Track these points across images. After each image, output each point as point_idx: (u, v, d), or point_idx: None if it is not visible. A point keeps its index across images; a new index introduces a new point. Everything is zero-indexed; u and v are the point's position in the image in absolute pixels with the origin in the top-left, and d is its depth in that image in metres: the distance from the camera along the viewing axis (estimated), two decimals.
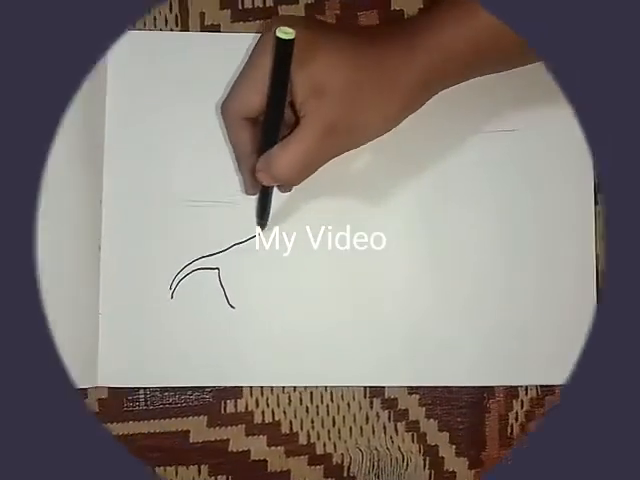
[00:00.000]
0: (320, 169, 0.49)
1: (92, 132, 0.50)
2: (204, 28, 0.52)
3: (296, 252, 0.50)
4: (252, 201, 0.50)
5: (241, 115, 0.45)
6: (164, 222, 0.50)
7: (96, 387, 0.49)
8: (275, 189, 0.48)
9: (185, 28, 0.52)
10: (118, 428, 0.49)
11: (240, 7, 0.52)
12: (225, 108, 0.46)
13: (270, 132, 0.44)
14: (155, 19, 0.52)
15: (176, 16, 0.52)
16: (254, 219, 0.50)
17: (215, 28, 0.52)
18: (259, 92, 0.43)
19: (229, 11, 0.52)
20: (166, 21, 0.52)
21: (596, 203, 0.51)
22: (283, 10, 0.52)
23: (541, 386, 0.51)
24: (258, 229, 0.50)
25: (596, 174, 0.51)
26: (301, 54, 0.41)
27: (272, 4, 0.52)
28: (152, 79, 0.51)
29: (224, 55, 0.50)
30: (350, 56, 0.43)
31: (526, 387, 0.51)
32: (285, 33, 0.39)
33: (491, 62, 0.46)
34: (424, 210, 0.51)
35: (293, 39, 0.39)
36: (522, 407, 0.51)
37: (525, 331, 0.50)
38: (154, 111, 0.51)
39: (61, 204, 0.48)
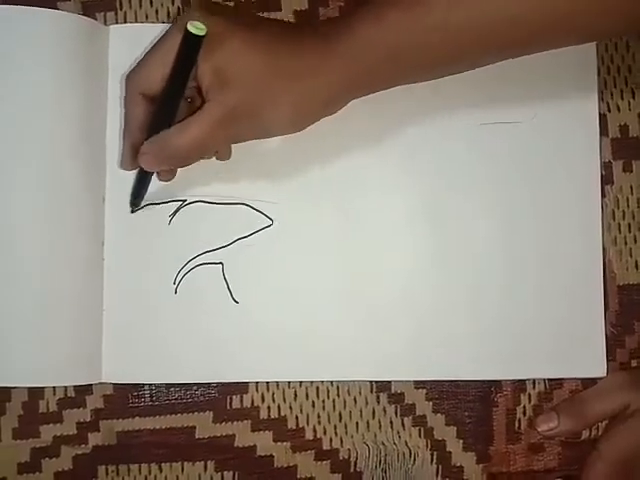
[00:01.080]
0: (324, 167, 0.49)
1: (95, 128, 0.49)
2: None
3: (301, 247, 0.50)
4: (258, 197, 0.49)
5: (140, 89, 0.45)
6: (168, 218, 0.50)
7: (101, 383, 0.48)
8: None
9: None
10: (123, 424, 0.49)
11: None
12: (128, 79, 0.46)
13: (164, 113, 0.44)
14: (157, 11, 0.51)
15: (178, 9, 0.51)
16: (259, 215, 0.50)
17: None
18: (162, 72, 0.44)
19: (232, 3, 0.51)
20: (168, 14, 0.51)
21: (603, 195, 0.51)
22: (285, 2, 0.51)
23: (549, 380, 0.50)
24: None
25: (602, 165, 0.51)
26: (210, 40, 0.41)
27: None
28: None
29: None
30: (264, 45, 0.43)
31: (534, 381, 0.50)
32: (197, 28, 0.40)
33: (416, 71, 0.45)
34: (429, 205, 0.50)
35: (203, 36, 0.40)
36: (530, 401, 0.50)
37: (532, 325, 0.50)
38: None
39: (64, 200, 0.48)
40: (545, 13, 0.41)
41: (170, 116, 0.44)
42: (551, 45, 0.44)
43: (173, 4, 0.51)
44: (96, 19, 0.50)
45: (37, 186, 0.47)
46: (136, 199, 0.49)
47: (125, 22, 0.51)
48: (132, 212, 0.49)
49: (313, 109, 0.44)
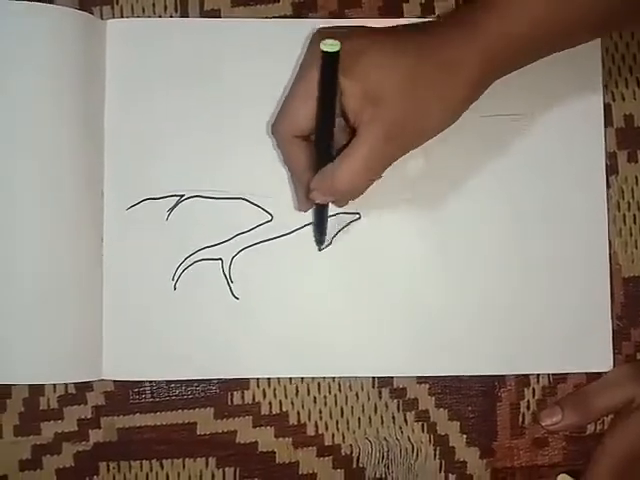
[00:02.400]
0: None
1: (93, 123, 0.49)
2: (204, 13, 0.51)
3: (301, 242, 0.49)
4: (257, 192, 0.49)
5: (293, 133, 0.44)
6: (166, 213, 0.49)
7: (101, 380, 0.48)
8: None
9: (185, 13, 0.50)
10: (124, 421, 0.49)
11: None
12: (276, 128, 0.45)
13: (323, 147, 0.43)
14: (154, 5, 0.50)
15: (175, 1, 0.51)
16: (258, 210, 0.49)
17: (215, 13, 0.51)
18: (308, 108, 0.42)
19: None
20: (165, 6, 0.51)
21: (608, 187, 0.50)
22: None
23: (553, 374, 0.50)
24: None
25: (607, 155, 0.50)
26: (348, 63, 0.40)
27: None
28: (152, 68, 0.50)
29: (226, 41, 0.50)
30: (402, 55, 0.42)
31: (538, 375, 0.50)
32: (330, 45, 0.39)
33: (554, 43, 0.44)
34: (432, 198, 0.50)
35: (338, 51, 0.39)
36: (534, 395, 0.50)
37: (537, 318, 0.49)
38: (155, 100, 0.50)
39: (63, 197, 0.48)
40: None
41: (330, 147, 0.43)
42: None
43: None
44: (92, 13, 0.50)
45: (35, 182, 0.47)
46: (321, 236, 0.48)
47: (122, 16, 0.50)
48: (320, 250, 0.49)
49: (463, 102, 0.43)
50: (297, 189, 0.47)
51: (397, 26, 0.45)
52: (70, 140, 0.48)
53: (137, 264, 0.49)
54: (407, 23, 0.45)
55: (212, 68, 0.50)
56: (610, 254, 0.50)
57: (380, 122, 0.42)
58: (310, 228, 0.49)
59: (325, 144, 0.43)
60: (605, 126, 0.50)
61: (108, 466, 0.49)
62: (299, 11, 0.51)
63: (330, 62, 0.39)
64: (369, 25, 0.46)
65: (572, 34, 0.43)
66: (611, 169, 0.50)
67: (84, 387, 0.49)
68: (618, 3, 0.42)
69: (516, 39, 0.42)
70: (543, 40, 0.43)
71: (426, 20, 0.47)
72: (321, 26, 0.46)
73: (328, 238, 0.49)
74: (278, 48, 0.50)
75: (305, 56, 0.44)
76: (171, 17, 0.50)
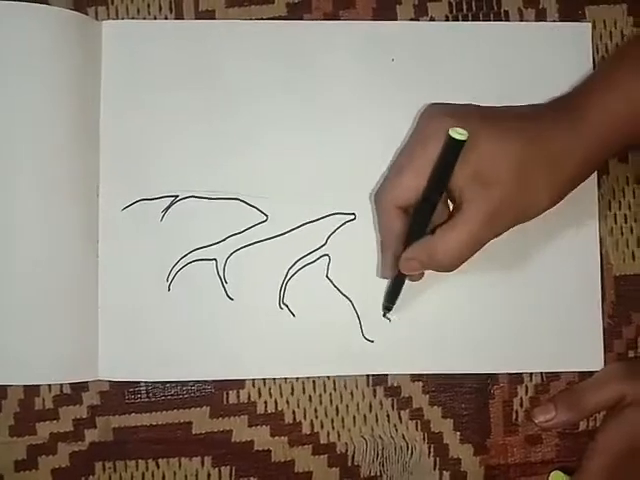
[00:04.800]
0: (318, 162, 0.49)
1: (88, 124, 0.49)
2: (198, 14, 0.51)
3: (295, 242, 0.50)
4: (251, 192, 0.49)
5: (397, 204, 0.46)
6: (160, 214, 0.49)
7: (97, 380, 0.48)
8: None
9: (179, 14, 0.51)
10: (120, 420, 0.49)
11: None
12: (381, 197, 0.47)
13: (422, 220, 0.45)
14: (149, 6, 0.51)
15: (170, 3, 0.51)
16: (253, 210, 0.50)
17: (210, 14, 0.51)
18: (417, 182, 0.44)
19: None
20: (160, 7, 0.51)
21: (599, 186, 0.51)
22: None
23: (545, 372, 0.50)
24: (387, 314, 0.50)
25: None
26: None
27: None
28: (147, 69, 0.50)
29: (220, 43, 0.50)
30: (513, 140, 0.44)
31: (530, 373, 0.50)
32: (459, 134, 0.42)
33: None
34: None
35: (465, 140, 0.42)
36: (527, 393, 0.50)
37: (529, 317, 0.50)
38: (150, 101, 0.50)
39: (58, 198, 0.48)
40: None
41: (428, 222, 0.45)
42: None
43: None
44: (87, 14, 0.50)
45: (30, 184, 0.47)
46: (391, 304, 0.49)
47: (117, 16, 0.50)
48: (384, 316, 0.49)
49: (568, 186, 0.45)
50: (385, 257, 0.48)
51: (507, 109, 0.47)
52: (65, 141, 0.48)
53: (132, 264, 0.49)
54: (514, 106, 0.47)
55: (207, 69, 0.50)
56: (601, 253, 0.50)
57: (488, 202, 0.43)
58: (304, 229, 0.50)
59: (426, 218, 0.45)
60: None
61: (104, 466, 0.49)
62: (293, 12, 0.51)
63: (455, 148, 0.42)
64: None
65: None
66: (602, 169, 0.51)
67: (79, 387, 0.49)
68: None
69: (617, 126, 0.44)
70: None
71: (532, 105, 0.48)
72: (433, 102, 0.48)
73: (324, 237, 0.50)
74: (272, 49, 0.50)
75: (418, 130, 0.46)
76: (166, 18, 0.51)
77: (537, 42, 0.51)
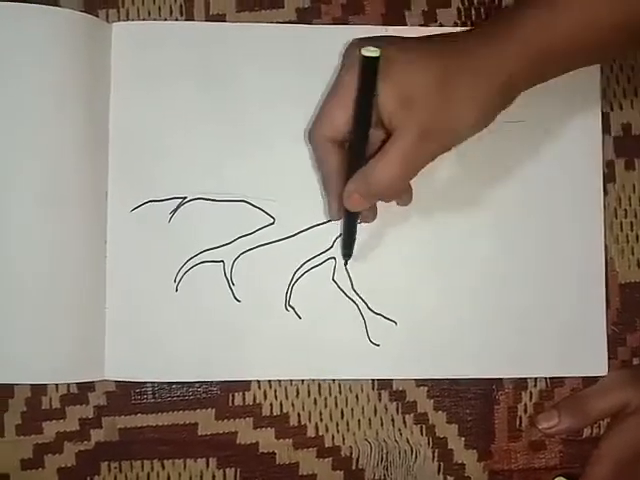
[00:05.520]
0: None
1: (97, 125, 0.49)
2: (209, 17, 0.51)
3: (302, 245, 0.50)
4: (259, 195, 0.49)
5: (329, 137, 0.45)
6: (168, 215, 0.50)
7: (103, 380, 0.49)
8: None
9: (190, 17, 0.51)
10: (126, 421, 0.49)
11: None
12: (313, 133, 0.46)
13: (358, 151, 0.44)
14: (160, 8, 0.51)
15: (180, 5, 0.51)
16: (260, 213, 0.50)
17: (220, 17, 0.51)
18: (346, 113, 0.44)
19: (235, 0, 0.51)
20: (171, 10, 0.51)
21: (605, 193, 0.51)
22: (288, 0, 0.51)
23: (550, 378, 0.50)
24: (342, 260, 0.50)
25: (604, 163, 0.51)
26: (383, 68, 0.42)
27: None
28: (157, 71, 0.50)
29: (230, 45, 0.50)
30: (435, 57, 0.43)
31: (535, 379, 0.50)
32: (371, 51, 0.41)
33: (591, 55, 0.44)
34: (431, 202, 0.50)
35: (379, 57, 0.41)
36: (531, 399, 0.50)
37: (534, 323, 0.50)
38: (159, 103, 0.50)
39: (67, 199, 0.48)
40: None
41: (364, 151, 0.44)
42: None
43: (176, 1, 0.51)
44: (98, 16, 0.50)
45: (40, 184, 0.47)
46: (348, 249, 0.49)
47: (127, 18, 0.51)
48: (345, 263, 0.49)
49: (493, 105, 0.43)
50: (329, 196, 0.48)
51: (431, 35, 0.46)
52: (75, 142, 0.48)
53: (140, 265, 0.50)
54: (441, 32, 0.46)
55: (216, 72, 0.50)
56: (607, 260, 0.50)
57: (414, 123, 0.42)
58: (311, 232, 0.50)
59: (360, 148, 0.44)
60: (603, 134, 0.51)
61: (109, 466, 0.49)
62: (303, 17, 0.51)
63: (370, 67, 0.42)
64: (386, 34, 0.47)
65: (608, 45, 0.43)
66: (609, 177, 0.51)
67: (86, 387, 0.49)
68: None
69: (548, 46, 0.42)
70: (578, 50, 0.43)
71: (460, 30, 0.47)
72: (355, 37, 0.47)
73: (330, 240, 0.50)
74: (282, 53, 0.51)
75: (342, 64, 0.45)
76: (176, 21, 0.51)
77: None
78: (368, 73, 0.42)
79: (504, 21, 0.43)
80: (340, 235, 0.49)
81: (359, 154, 0.44)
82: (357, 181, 0.44)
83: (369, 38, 0.46)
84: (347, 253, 0.49)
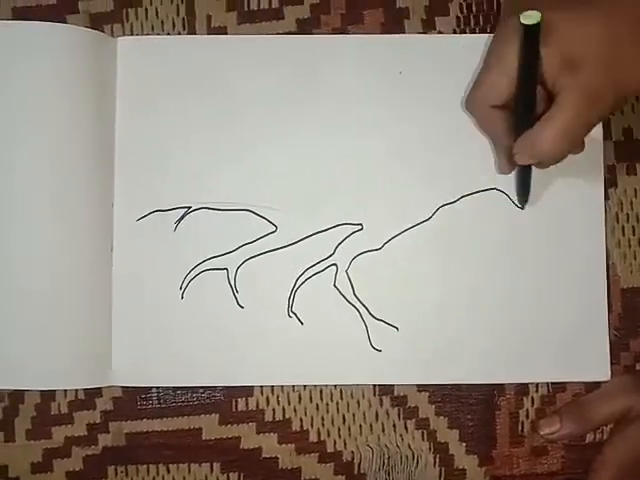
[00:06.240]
0: (328, 174, 0.49)
1: (104, 137, 0.51)
2: (211, 30, 0.52)
3: (304, 252, 0.51)
4: (262, 204, 0.50)
5: (489, 103, 0.46)
6: (173, 224, 0.51)
7: (110, 386, 0.50)
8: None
9: (192, 30, 0.52)
10: (132, 426, 0.50)
11: (246, 9, 0.52)
12: (471, 100, 0.47)
13: (524, 114, 0.45)
14: (163, 23, 0.52)
15: (183, 19, 0.52)
16: (263, 221, 0.51)
17: (222, 30, 0.52)
18: (506, 79, 0.44)
19: (235, 13, 0.52)
20: (173, 24, 0.52)
21: (606, 198, 0.51)
22: (288, 11, 0.52)
23: (552, 383, 0.50)
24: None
25: (606, 168, 0.51)
26: (545, 32, 0.42)
27: (278, 5, 0.52)
28: (161, 84, 0.51)
29: (232, 58, 0.51)
30: (597, 14, 0.42)
31: (537, 384, 0.50)
32: (531, 18, 0.41)
33: None
34: (429, 207, 0.51)
35: (539, 22, 0.41)
36: (533, 404, 0.50)
37: (536, 328, 0.50)
38: (163, 115, 0.51)
39: (75, 208, 0.49)
40: None
41: (531, 114, 0.45)
42: None
43: (178, 15, 0.52)
44: (103, 31, 0.51)
45: (48, 196, 0.49)
46: (525, 195, 0.49)
47: (132, 33, 0.52)
48: (522, 208, 0.50)
49: None
50: (498, 154, 0.49)
51: None
52: (82, 154, 0.50)
53: (145, 273, 0.51)
54: None
55: (219, 83, 0.51)
56: (608, 265, 0.50)
57: (579, 87, 0.42)
58: (313, 239, 0.51)
59: (527, 111, 0.44)
60: (604, 139, 0.51)
61: (116, 470, 0.50)
62: (303, 27, 0.52)
63: (532, 34, 0.42)
64: None
65: None
66: (610, 181, 0.51)
67: (93, 393, 0.50)
68: None
69: None
70: None
71: None
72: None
73: (332, 247, 0.50)
74: (283, 63, 0.51)
75: (498, 32, 0.46)
76: (179, 34, 0.52)
77: None
78: (530, 40, 0.42)
79: None
80: (349, 235, 0.50)
81: (526, 117, 0.45)
82: (524, 145, 0.45)
83: (517, 2, 0.45)
84: (523, 199, 0.50)
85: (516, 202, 0.51)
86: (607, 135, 0.51)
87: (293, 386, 0.50)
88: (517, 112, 0.46)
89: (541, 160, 0.45)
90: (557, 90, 0.43)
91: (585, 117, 0.43)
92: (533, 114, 0.45)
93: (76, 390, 0.50)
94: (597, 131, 0.51)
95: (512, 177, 0.50)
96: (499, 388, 0.50)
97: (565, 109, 0.43)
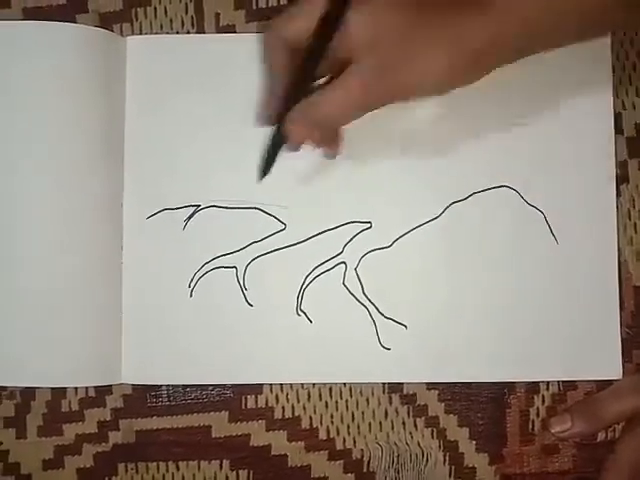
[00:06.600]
0: (336, 171, 0.49)
1: (113, 136, 0.51)
2: (219, 29, 0.52)
3: (313, 250, 0.51)
4: (271, 202, 0.50)
5: (285, 41, 0.45)
6: (183, 223, 0.51)
7: (120, 384, 0.50)
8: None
9: (201, 29, 0.52)
10: (142, 423, 0.51)
11: (255, 7, 0.52)
12: (272, 32, 0.46)
13: (308, 73, 0.44)
14: (172, 21, 0.52)
15: (192, 18, 0.52)
16: (272, 219, 0.51)
17: (230, 28, 0.52)
18: (308, 23, 0.43)
19: (244, 11, 0.52)
20: (182, 23, 0.52)
21: (618, 194, 0.50)
22: None
23: (563, 382, 0.50)
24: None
25: (617, 164, 0.50)
26: (356, 2, 0.41)
27: (286, 3, 0.52)
28: (170, 82, 0.51)
29: (240, 56, 0.51)
30: (413, 5, 0.42)
31: (547, 382, 0.50)
32: None
33: (572, 34, 0.43)
34: (438, 204, 0.51)
35: None
36: (543, 402, 0.50)
37: (547, 326, 0.50)
38: (173, 114, 0.51)
39: (85, 207, 0.50)
40: None
41: (313, 75, 0.44)
42: None
43: (187, 13, 0.52)
44: (113, 30, 0.52)
45: (58, 195, 0.49)
46: (267, 167, 0.48)
47: (141, 32, 0.52)
48: (260, 180, 0.48)
49: (460, 66, 0.42)
50: (268, 97, 0.48)
51: None
52: (92, 152, 0.50)
53: (155, 272, 0.51)
54: None
55: (227, 81, 0.51)
56: (620, 263, 0.50)
57: (376, 59, 0.42)
58: (321, 237, 0.51)
59: (311, 69, 0.44)
60: (616, 134, 0.50)
61: (126, 467, 0.51)
62: None
63: None
64: None
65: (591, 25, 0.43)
66: (622, 178, 0.50)
67: (104, 391, 0.51)
68: None
69: (530, 23, 0.41)
70: (559, 29, 0.42)
71: None
72: None
73: (341, 245, 0.50)
74: None
75: None
76: (188, 33, 0.52)
77: None
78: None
79: None
80: (346, 232, 0.50)
81: (309, 76, 0.44)
82: (304, 107, 0.44)
83: None
84: (262, 173, 0.48)
85: (525, 198, 0.50)
86: (619, 131, 0.51)
87: (302, 384, 0.50)
88: (302, 70, 0.44)
89: (318, 123, 0.44)
90: (354, 57, 0.42)
91: (373, 88, 0.42)
92: (315, 77, 0.43)
93: (87, 388, 0.51)
94: (609, 127, 0.50)
95: (522, 175, 0.50)
96: (509, 386, 0.50)
97: (356, 74, 0.42)
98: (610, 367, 0.49)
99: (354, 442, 0.50)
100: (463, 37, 0.42)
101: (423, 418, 0.50)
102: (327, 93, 0.43)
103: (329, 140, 0.49)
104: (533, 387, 0.50)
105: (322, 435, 0.50)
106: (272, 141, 0.47)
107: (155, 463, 0.51)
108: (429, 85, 0.43)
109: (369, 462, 0.50)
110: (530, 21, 0.42)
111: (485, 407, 0.50)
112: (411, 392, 0.50)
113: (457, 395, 0.50)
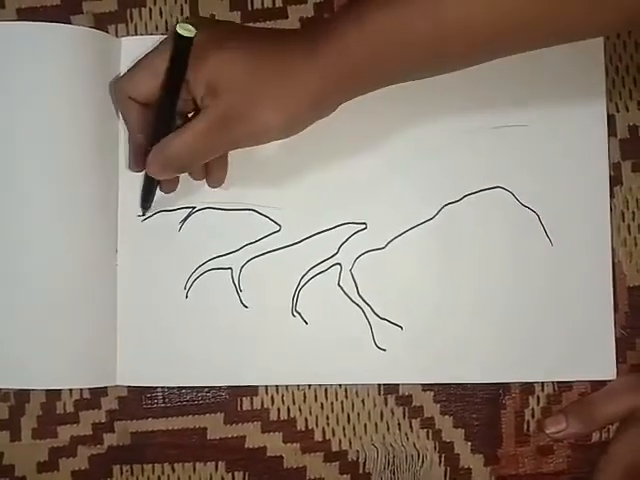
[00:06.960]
0: (330, 172, 0.49)
1: (108, 138, 0.51)
2: None
3: (307, 251, 0.51)
4: (265, 203, 0.50)
5: (129, 94, 0.47)
6: (178, 224, 0.51)
7: (115, 386, 0.50)
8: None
9: None
10: (137, 425, 0.50)
11: (250, 8, 0.52)
12: (118, 87, 0.48)
13: (162, 123, 0.46)
14: (167, 22, 0.52)
15: (186, 19, 0.52)
16: (267, 221, 0.51)
17: None
18: (153, 82, 0.45)
19: (239, 12, 0.52)
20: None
21: (612, 196, 0.51)
22: (292, 10, 0.52)
23: (558, 382, 0.50)
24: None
25: (611, 166, 0.50)
26: (198, 54, 0.43)
27: (281, 4, 0.52)
28: None
29: None
30: (247, 52, 0.44)
31: (542, 383, 0.50)
32: (186, 30, 0.42)
33: (401, 70, 0.44)
34: (433, 206, 0.51)
35: (192, 37, 0.42)
36: (538, 403, 0.50)
37: (541, 327, 0.50)
38: None
39: (79, 209, 0.49)
40: (533, 12, 0.40)
41: (169, 124, 0.46)
42: (539, 45, 0.43)
43: (182, 14, 0.52)
44: (107, 31, 0.52)
45: (53, 197, 0.49)
46: (145, 203, 0.50)
47: (136, 33, 0.52)
48: (143, 218, 0.51)
49: (299, 111, 0.44)
50: (131, 149, 0.50)
51: (259, 28, 0.48)
52: (86, 154, 0.50)
53: (150, 273, 0.51)
54: (270, 28, 0.48)
55: None
56: (614, 264, 0.50)
57: (219, 108, 0.44)
58: (316, 238, 0.51)
59: (165, 119, 0.46)
60: (609, 137, 0.51)
61: (121, 469, 0.50)
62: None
63: (183, 46, 0.43)
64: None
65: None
66: (615, 180, 0.51)
67: (99, 392, 0.50)
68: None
69: (359, 63, 0.43)
70: (385, 65, 0.43)
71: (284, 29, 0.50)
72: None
73: (336, 246, 0.50)
74: None
75: (169, 35, 0.46)
76: None
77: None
78: (181, 51, 0.43)
79: (325, 27, 0.43)
80: (342, 236, 0.50)
81: (165, 124, 0.46)
82: (157, 151, 0.46)
83: (199, 18, 0.48)
84: (145, 207, 0.50)
85: (519, 199, 0.50)
86: (612, 133, 0.51)
87: (297, 385, 0.50)
88: (158, 118, 0.46)
89: (169, 166, 0.46)
90: (201, 107, 0.44)
91: (215, 136, 0.44)
92: (170, 124, 0.45)
93: (81, 389, 0.51)
94: (602, 129, 0.51)
95: (516, 176, 0.50)
96: (504, 387, 0.50)
97: (200, 123, 0.44)
98: (604, 368, 0.50)
99: (350, 443, 0.50)
100: (297, 83, 0.43)
101: (418, 419, 0.50)
102: (177, 136, 0.45)
103: (203, 174, 0.50)
104: (528, 388, 0.50)
105: (318, 436, 0.50)
106: (145, 180, 0.49)
107: (150, 465, 0.51)
108: (272, 133, 0.45)
109: (365, 463, 0.50)
110: (356, 60, 0.42)
111: (480, 408, 0.50)
112: (406, 393, 0.50)
113: (452, 396, 0.50)
